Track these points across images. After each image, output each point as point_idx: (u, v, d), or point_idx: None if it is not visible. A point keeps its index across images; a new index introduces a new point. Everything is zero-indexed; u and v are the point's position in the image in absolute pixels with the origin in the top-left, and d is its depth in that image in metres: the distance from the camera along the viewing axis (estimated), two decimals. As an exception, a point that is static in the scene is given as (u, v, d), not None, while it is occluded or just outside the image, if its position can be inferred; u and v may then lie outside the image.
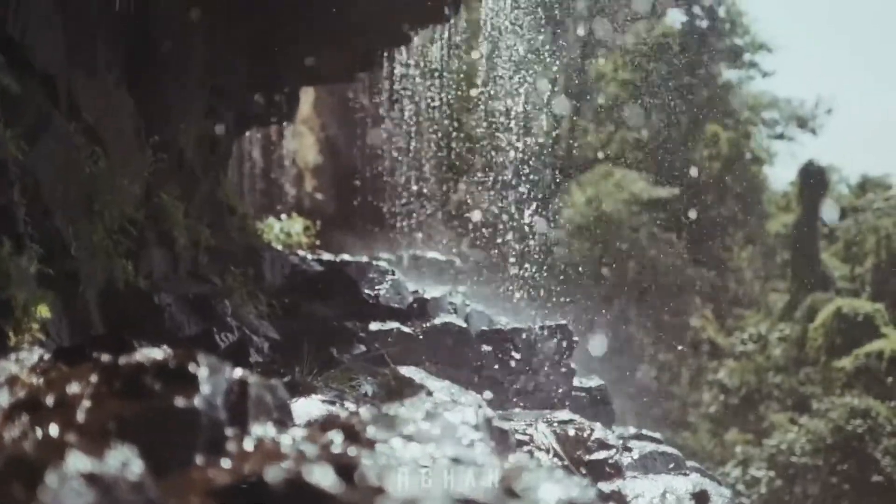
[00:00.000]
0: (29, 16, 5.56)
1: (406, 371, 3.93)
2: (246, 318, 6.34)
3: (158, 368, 2.43)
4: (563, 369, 7.61)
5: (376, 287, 7.55)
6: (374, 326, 6.94)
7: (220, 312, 5.87)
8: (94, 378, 2.42)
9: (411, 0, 8.76)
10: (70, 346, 4.09)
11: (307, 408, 3.54)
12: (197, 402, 2.30)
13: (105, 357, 2.59)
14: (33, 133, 5.35)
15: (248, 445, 2.35)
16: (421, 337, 7.08)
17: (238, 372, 2.63)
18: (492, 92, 15.90)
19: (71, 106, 5.76)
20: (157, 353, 2.56)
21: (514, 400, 7.00)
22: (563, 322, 8.05)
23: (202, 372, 2.43)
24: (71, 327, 5.01)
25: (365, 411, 2.97)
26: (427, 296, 7.74)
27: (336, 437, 2.51)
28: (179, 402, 2.27)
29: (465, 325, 7.49)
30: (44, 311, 3.27)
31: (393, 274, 7.91)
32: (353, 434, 2.61)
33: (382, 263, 8.36)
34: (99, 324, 5.31)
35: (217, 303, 5.95)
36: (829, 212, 31.08)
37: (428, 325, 7.23)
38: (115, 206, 5.51)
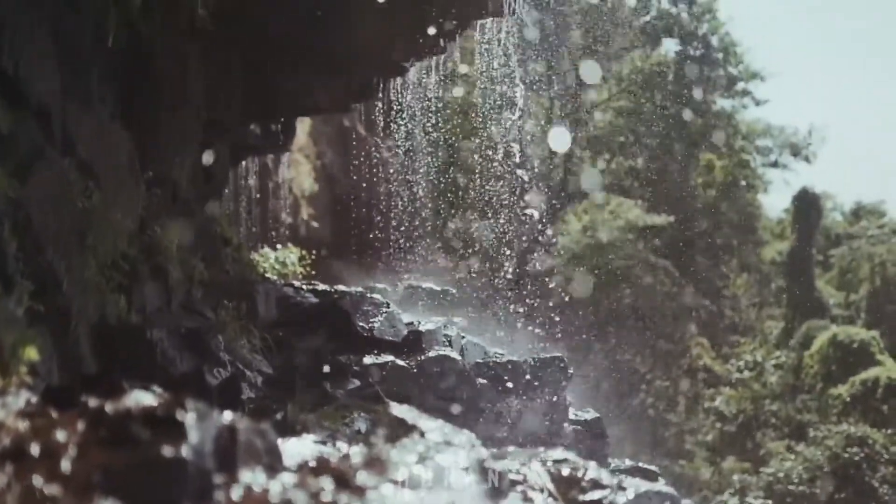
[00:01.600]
0: (23, 49, 5.57)
1: (398, 410, 3.90)
2: (239, 352, 6.31)
3: (146, 416, 2.41)
4: (559, 402, 7.57)
5: (371, 320, 7.53)
6: (368, 360, 6.91)
7: (213, 347, 5.84)
8: (80, 425, 2.39)
9: (407, 32, 8.80)
10: (59, 386, 4.05)
11: (298, 448, 3.51)
12: (184, 451, 2.28)
13: (93, 402, 2.56)
14: (26, 167, 5.33)
15: (237, 494, 2.32)
16: (415, 370, 7.05)
17: (227, 416, 2.60)
18: (488, 121, 15.97)
19: (65, 140, 5.76)
20: (146, 399, 2.53)
21: (509, 435, 6.96)
22: (558, 354, 8.02)
23: (190, 419, 2.40)
24: (61, 363, 4.97)
25: (356, 453, 2.94)
26: (422, 328, 7.71)
27: (326, 484, 2.48)
28: (167, 451, 2.24)
29: (459, 357, 7.46)
30: (32, 353, 3.24)
31: (388, 306, 7.89)
32: (343, 480, 2.58)
33: (377, 296, 8.34)
34: (90, 359, 5.27)
35: (210, 338, 5.92)
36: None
37: (422, 358, 7.21)
38: (108, 240, 5.49)
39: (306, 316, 7.60)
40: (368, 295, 8.17)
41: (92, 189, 5.57)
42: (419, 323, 7.95)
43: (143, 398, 2.60)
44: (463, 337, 8.03)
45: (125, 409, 2.51)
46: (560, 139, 22.52)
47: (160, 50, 6.49)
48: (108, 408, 2.52)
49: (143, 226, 6.37)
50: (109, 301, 5.53)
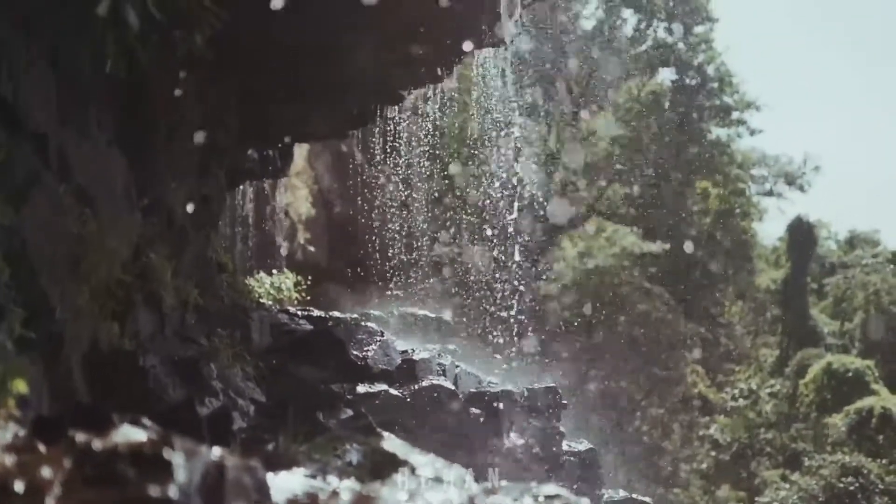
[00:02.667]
0: (21, 75, 5.59)
1: (390, 444, 3.87)
2: (232, 380, 6.28)
3: (134, 453, 2.39)
4: (552, 433, 7.54)
5: (365, 348, 7.51)
6: (361, 389, 6.89)
7: (206, 375, 5.82)
8: (67, 462, 2.37)
9: (405, 61, 8.85)
10: (48, 417, 4.02)
11: (288, 483, 3.47)
12: (171, 491, 2.26)
13: (81, 436, 2.54)
14: (22, 193, 5.33)
15: (224, 534, 2.30)
16: (409, 400, 7.02)
17: (216, 453, 2.58)
18: (484, 147, 16.03)
19: (61, 166, 5.76)
20: (135, 434, 2.52)
21: (502, 467, 6.92)
22: (552, 385, 8.00)
23: (177, 458, 2.39)
24: (52, 391, 4.94)
25: (346, 489, 2.91)
26: (416, 357, 7.69)
27: (314, 523, 2.46)
28: (153, 490, 2.23)
29: (453, 387, 7.43)
30: (21, 386, 3.21)
31: (382, 334, 7.87)
32: (332, 519, 2.55)
33: (372, 324, 8.32)
34: (82, 387, 5.25)
35: (203, 365, 5.90)
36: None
37: (416, 387, 7.18)
38: (102, 267, 5.48)
39: (300, 343, 7.58)
40: (363, 323, 8.16)
41: (87, 216, 5.57)
42: (413, 351, 7.93)
43: (131, 434, 2.58)
44: (457, 366, 8.01)
45: (113, 445, 2.49)
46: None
47: (157, 76, 6.51)
48: (96, 444, 2.51)
49: (138, 252, 6.36)
50: (102, 328, 5.51)
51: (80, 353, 5.27)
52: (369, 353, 7.51)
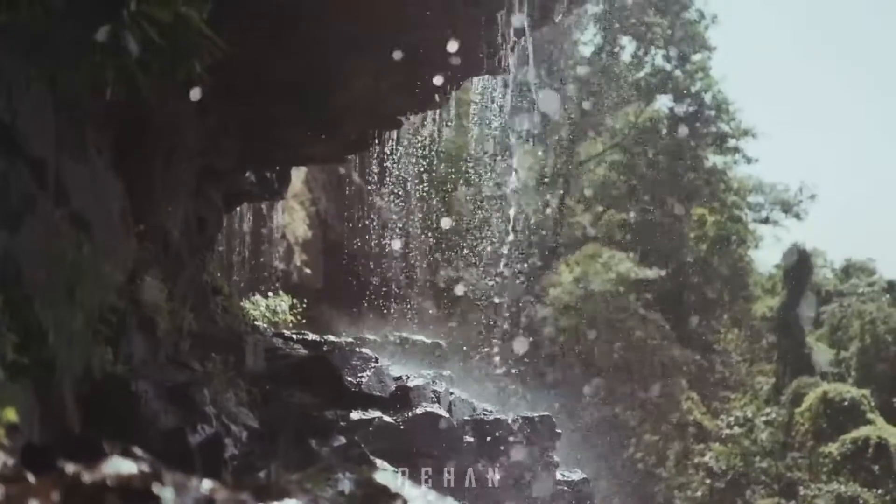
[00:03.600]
0: (20, 99, 5.60)
1: (382, 476, 3.84)
2: (225, 406, 6.25)
3: (122, 487, 2.37)
4: (546, 462, 7.50)
5: (359, 374, 7.48)
6: (355, 416, 6.85)
7: (199, 401, 5.79)
8: (55, 494, 2.36)
9: (403, 87, 8.89)
10: (38, 446, 3.99)
11: (280, 515, 3.46)
12: (160, 526, 2.25)
13: (71, 467, 2.52)
14: (17, 217, 5.33)
15: (213, 570, 2.29)
16: (402, 427, 6.98)
17: (206, 486, 2.57)
18: (481, 171, 16.08)
19: (58, 190, 5.76)
20: (125, 467, 2.50)
21: (496, 497, 6.88)
22: (546, 414, 7.97)
23: (167, 492, 2.37)
24: (43, 417, 4.91)
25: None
26: (410, 384, 7.66)
27: (304, 560, 2.44)
28: (142, 526, 2.22)
29: (447, 415, 7.40)
30: (10, 415, 3.19)
31: (376, 361, 7.84)
32: (322, 556, 2.53)
33: (366, 350, 8.30)
34: (73, 413, 5.22)
35: (195, 391, 5.87)
36: (807, 305, 31.22)
37: (410, 414, 7.15)
38: (96, 293, 5.46)
39: (295, 369, 7.55)
40: (358, 349, 8.13)
41: (83, 241, 5.56)
42: (407, 378, 7.90)
43: (121, 466, 2.57)
44: (451, 393, 7.98)
45: (102, 478, 2.47)
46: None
47: (156, 102, 6.53)
48: (85, 476, 2.49)
49: (133, 276, 6.35)
50: (95, 353, 5.48)
51: (72, 379, 5.25)
52: (363, 380, 7.48)
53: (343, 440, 6.44)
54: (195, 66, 5.33)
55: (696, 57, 28.91)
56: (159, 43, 4.88)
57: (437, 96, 9.66)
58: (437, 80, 9.06)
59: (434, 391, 7.81)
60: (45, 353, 5.01)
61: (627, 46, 28.75)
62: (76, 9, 5.11)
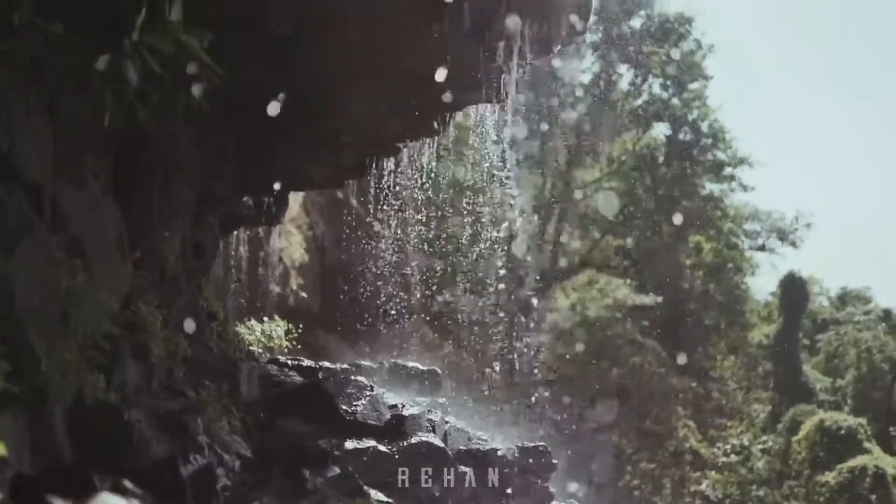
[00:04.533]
0: (19, 125, 5.60)
1: (377, 511, 3.80)
2: (218, 434, 6.20)
3: (113, 527, 2.35)
4: (542, 494, 7.44)
5: (354, 403, 7.44)
6: (349, 445, 6.80)
7: (191, 430, 5.74)
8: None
9: (401, 114, 8.91)
10: (28, 477, 3.95)
11: (271, 552, 3.42)
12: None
13: (59, 502, 2.49)
14: (13, 243, 5.31)
15: None
16: (397, 457, 6.93)
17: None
18: (479, 197, 16.09)
19: (55, 216, 5.75)
20: (113, 503, 2.47)
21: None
22: (542, 444, 7.92)
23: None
24: (34, 446, 4.86)
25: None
26: (405, 412, 7.61)
27: None
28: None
29: (442, 444, 7.34)
30: (0, 449, 3.16)
31: (371, 389, 7.79)
32: None
33: (362, 378, 8.25)
34: (65, 441, 5.16)
35: (188, 419, 5.82)
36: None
37: (405, 444, 7.09)
38: (91, 320, 5.43)
39: (289, 397, 7.50)
40: (353, 377, 8.08)
41: (78, 267, 5.54)
42: (403, 406, 7.86)
43: (110, 502, 2.54)
44: (447, 422, 7.92)
45: (90, 518, 2.45)
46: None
47: (155, 128, 6.53)
48: (74, 515, 2.46)
49: (128, 302, 6.32)
50: (88, 381, 5.44)
51: (64, 406, 5.20)
52: (358, 408, 7.43)
53: (337, 470, 6.38)
54: (194, 94, 5.33)
55: (694, 86, 29.10)
56: (159, 72, 4.89)
57: (435, 123, 9.69)
58: (436, 108, 9.09)
59: (429, 420, 7.76)
60: (37, 381, 4.96)
61: (625, 74, 28.94)
62: (77, 37, 5.12)
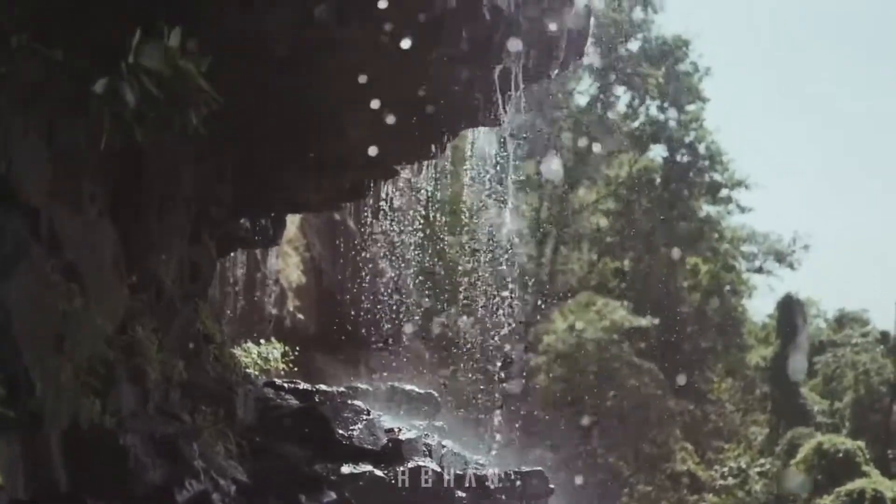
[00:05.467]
0: (16, 147, 5.60)
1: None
2: (214, 459, 6.16)
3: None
4: (539, 519, 7.39)
5: (350, 427, 7.41)
6: (345, 469, 6.77)
7: (187, 455, 5.70)
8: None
9: (399, 138, 8.92)
10: (24, 501, 3.92)
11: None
12: None
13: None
14: (9, 266, 5.29)
15: None
16: (394, 482, 6.89)
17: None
18: (476, 219, 16.09)
19: (51, 239, 5.73)
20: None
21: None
22: (539, 468, 7.88)
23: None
24: (29, 471, 4.83)
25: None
26: (402, 436, 7.58)
27: None
28: None
29: (439, 469, 7.31)
30: (-8, 477, 3.14)
31: (368, 413, 7.77)
32: None
33: (358, 402, 8.22)
34: (60, 466, 5.13)
35: (184, 444, 5.79)
36: (801, 356, 31.17)
37: (401, 469, 7.06)
38: (86, 344, 5.41)
39: (285, 422, 7.46)
40: (349, 401, 8.06)
41: (74, 291, 5.52)
42: (399, 430, 7.83)
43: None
44: (443, 447, 7.89)
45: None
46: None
47: (153, 150, 6.53)
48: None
49: (125, 326, 6.30)
50: (83, 405, 5.41)
51: (59, 431, 5.17)
52: (355, 433, 7.40)
53: (333, 495, 6.35)
54: (192, 117, 5.35)
55: (690, 108, 29.27)
56: (157, 95, 4.90)
57: (433, 147, 9.71)
58: (434, 132, 9.11)
59: (426, 444, 7.73)
60: (32, 405, 4.94)
61: (623, 97, 29.11)
62: (75, 60, 5.13)
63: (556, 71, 9.03)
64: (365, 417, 7.67)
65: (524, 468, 7.94)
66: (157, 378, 6.43)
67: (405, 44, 6.84)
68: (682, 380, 26.78)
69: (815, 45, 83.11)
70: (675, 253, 26.93)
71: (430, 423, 9.47)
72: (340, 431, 7.35)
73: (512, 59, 7.92)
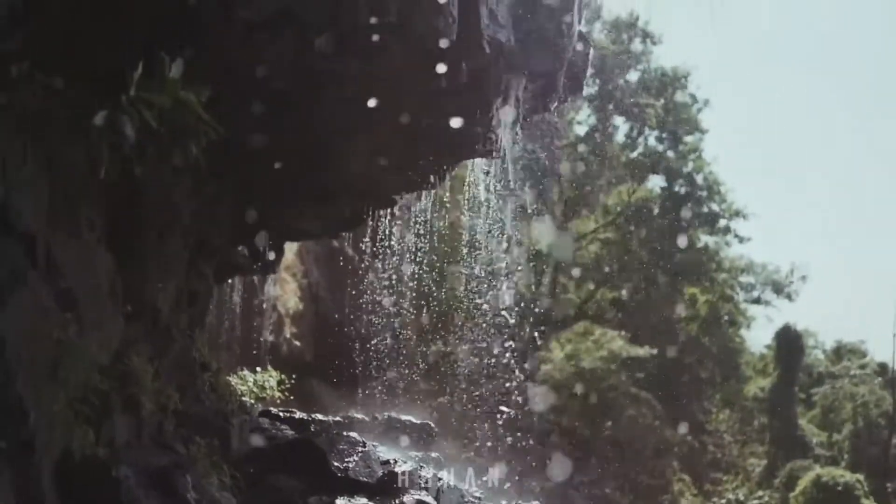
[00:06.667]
0: (15, 176, 5.60)
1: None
2: (208, 491, 6.10)
3: None
4: (536, 554, 7.31)
5: (346, 459, 7.35)
6: (340, 501, 6.70)
7: (180, 488, 5.65)
8: None
9: (398, 168, 8.94)
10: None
11: None
12: None
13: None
14: (6, 293, 5.27)
15: None
16: (389, 515, 6.83)
17: None
18: (474, 248, 16.09)
19: (48, 267, 5.71)
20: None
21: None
22: (536, 502, 7.81)
23: None
24: (21, 501, 4.77)
25: None
26: (398, 468, 7.52)
27: None
28: None
29: (435, 502, 7.25)
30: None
31: (363, 445, 7.71)
32: None
33: (354, 434, 8.16)
34: (52, 497, 5.07)
35: (178, 476, 5.74)
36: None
37: (397, 501, 7.00)
38: (81, 373, 5.37)
39: (280, 453, 7.41)
40: (345, 432, 8.00)
41: (70, 319, 5.49)
42: (395, 462, 7.76)
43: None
44: (440, 479, 7.83)
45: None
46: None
47: (151, 179, 6.54)
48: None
49: (120, 354, 6.26)
50: (76, 435, 5.36)
51: (51, 461, 5.12)
52: (350, 465, 7.34)
53: (328, 529, 6.28)
54: (192, 147, 5.36)
55: (689, 139, 29.41)
56: (156, 127, 4.91)
57: (432, 177, 9.73)
58: (433, 162, 9.13)
59: (422, 477, 7.67)
60: (25, 434, 4.89)
61: (621, 127, 29.26)
62: (75, 90, 5.15)
63: (556, 104, 9.08)
64: (360, 449, 7.61)
65: (520, 502, 7.87)
66: (152, 408, 6.38)
67: (405, 76, 6.88)
68: (679, 410, 26.66)
69: (812, 75, 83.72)
70: (673, 283, 26.97)
71: (425, 454, 9.39)
72: (336, 463, 7.30)
73: (511, 91, 7.96)
